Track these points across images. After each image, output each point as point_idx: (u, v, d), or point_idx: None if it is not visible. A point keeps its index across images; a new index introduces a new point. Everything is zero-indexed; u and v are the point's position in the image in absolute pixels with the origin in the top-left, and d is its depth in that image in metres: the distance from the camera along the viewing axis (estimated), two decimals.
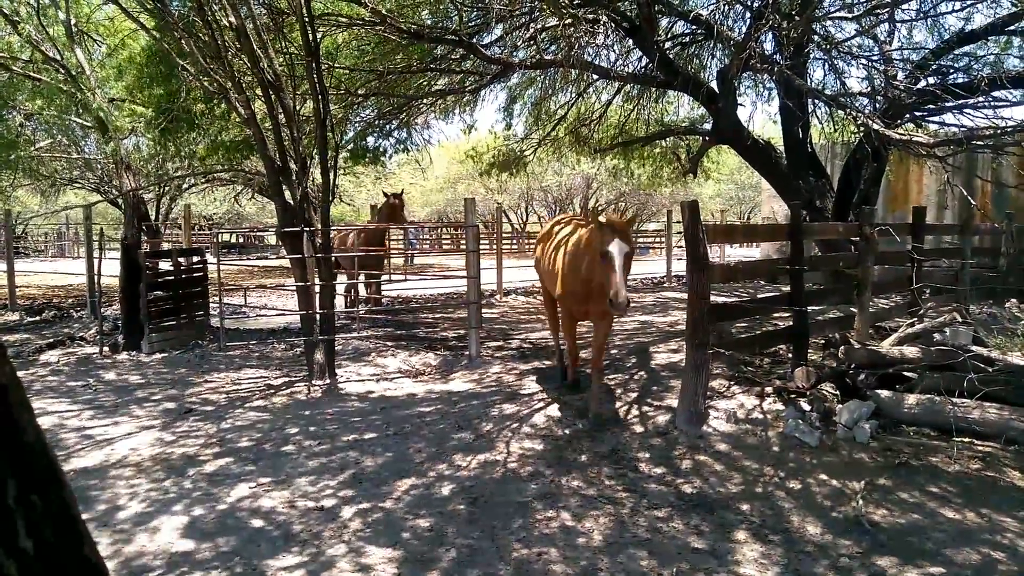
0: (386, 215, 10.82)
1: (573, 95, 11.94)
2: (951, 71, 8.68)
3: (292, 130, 7.43)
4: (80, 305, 13.23)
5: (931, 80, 8.51)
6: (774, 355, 7.83)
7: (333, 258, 10.98)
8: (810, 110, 9.72)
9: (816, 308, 8.61)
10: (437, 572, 3.54)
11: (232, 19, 6.85)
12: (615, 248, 5.10)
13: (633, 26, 8.54)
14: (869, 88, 9.01)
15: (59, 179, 19.26)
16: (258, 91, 7.54)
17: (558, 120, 12.35)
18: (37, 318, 12.13)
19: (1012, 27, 8.01)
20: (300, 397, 6.98)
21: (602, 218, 5.43)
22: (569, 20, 7.54)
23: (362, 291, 11.95)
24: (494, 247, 17.35)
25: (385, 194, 11.00)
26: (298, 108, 8.01)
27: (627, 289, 5.13)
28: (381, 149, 12.26)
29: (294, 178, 7.52)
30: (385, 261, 12.10)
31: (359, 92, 10.02)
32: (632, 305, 5.53)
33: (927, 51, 8.78)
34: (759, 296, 11.32)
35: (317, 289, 7.82)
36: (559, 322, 7.26)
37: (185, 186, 21.09)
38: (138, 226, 9.77)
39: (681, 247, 11.34)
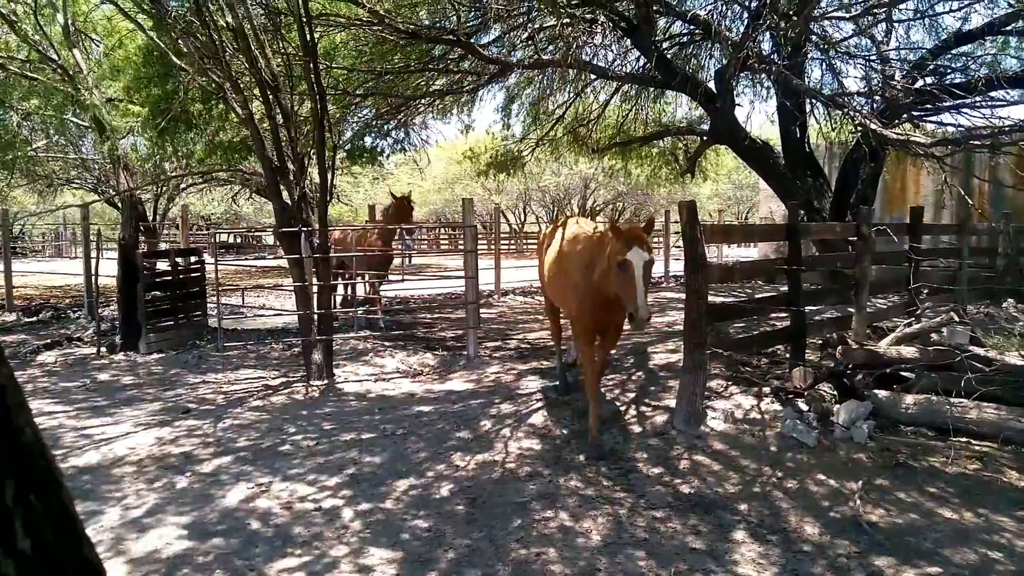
0: (395, 216, 10.68)
1: (571, 95, 11.94)
2: (948, 71, 8.70)
3: (290, 130, 7.43)
4: (77, 305, 13.20)
5: (928, 80, 8.53)
6: (772, 355, 7.84)
7: (337, 258, 10.93)
8: (808, 110, 9.74)
9: (814, 308, 8.63)
10: (436, 573, 3.54)
11: (230, 19, 6.85)
12: (635, 257, 4.61)
13: (631, 26, 8.54)
14: (867, 88, 9.03)
15: (56, 179, 19.21)
16: (256, 91, 7.53)
17: (556, 120, 12.35)
18: (34, 319, 12.11)
19: (1009, 27, 8.02)
20: (298, 397, 6.97)
21: (599, 222, 5.36)
22: (567, 20, 7.55)
23: (359, 291, 11.90)
24: (492, 247, 17.36)
25: (393, 195, 10.86)
26: (296, 108, 8.00)
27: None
28: (379, 149, 12.25)
29: (292, 178, 7.52)
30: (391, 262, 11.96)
31: (357, 92, 10.01)
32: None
33: (924, 51, 8.80)
34: (757, 296, 11.34)
35: (315, 289, 7.81)
36: (560, 328, 7.07)
37: (183, 186, 21.05)
38: (135, 226, 9.75)
39: (679, 247, 11.34)
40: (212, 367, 8.33)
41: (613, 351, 6.41)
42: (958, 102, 7.66)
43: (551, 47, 9.82)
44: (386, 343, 9.47)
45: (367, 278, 11.23)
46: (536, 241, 35.71)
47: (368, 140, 11.98)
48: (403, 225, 10.72)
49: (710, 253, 10.26)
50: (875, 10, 8.00)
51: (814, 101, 9.38)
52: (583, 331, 5.56)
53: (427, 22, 9.22)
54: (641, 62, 10.21)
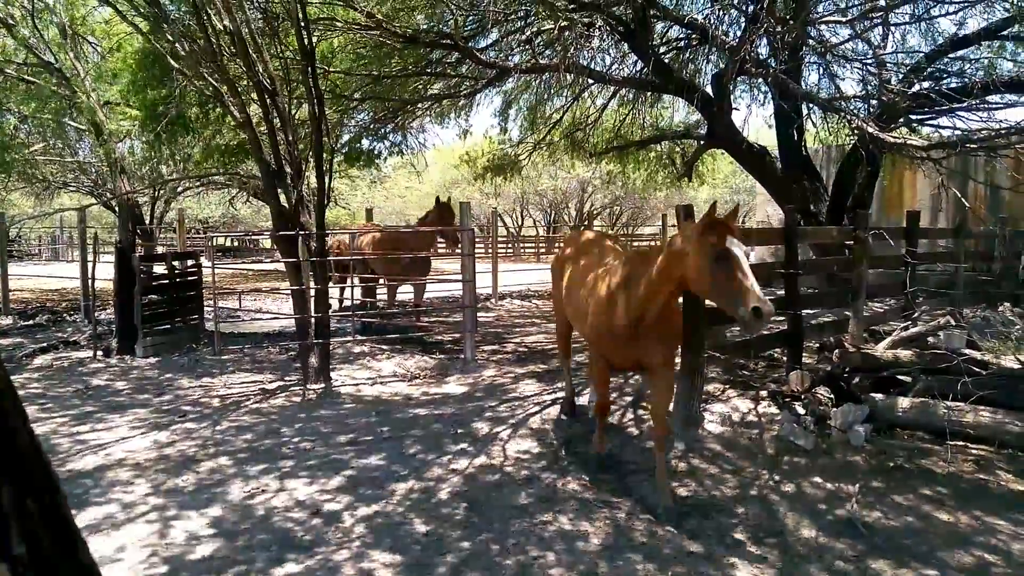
0: (436, 222, 10.29)
1: (568, 99, 11.93)
2: (945, 75, 8.71)
3: (287, 134, 7.42)
4: (74, 309, 13.17)
5: (925, 84, 8.54)
6: (769, 359, 7.85)
7: (365, 263, 10.73)
8: (805, 114, 9.75)
9: (811, 312, 8.64)
10: None
11: (227, 23, 6.85)
12: (735, 245, 3.70)
13: (628, 30, 8.55)
14: (863, 92, 9.04)
15: (53, 182, 19.20)
16: (253, 95, 7.53)
17: (553, 124, 12.35)
18: (30, 322, 12.07)
19: (1005, 32, 8.04)
20: (295, 400, 6.96)
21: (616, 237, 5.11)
22: (564, 24, 7.55)
23: (352, 295, 11.78)
24: (489, 251, 17.35)
25: (438, 200, 10.51)
26: (293, 112, 8.00)
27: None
28: (375, 152, 12.25)
29: (289, 182, 7.52)
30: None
31: (354, 96, 10.01)
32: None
33: (921, 55, 8.82)
34: None
35: (312, 292, 7.80)
36: (569, 347, 6.36)
37: (180, 189, 21.06)
38: (132, 229, 9.73)
39: None
40: (209, 371, 8.32)
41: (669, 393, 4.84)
42: (955, 106, 7.67)
43: (548, 51, 9.83)
44: (383, 346, 9.46)
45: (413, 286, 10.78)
46: (532, 243, 35.75)
47: (365, 143, 11.97)
48: (442, 228, 10.24)
49: None
50: (872, 15, 8.01)
51: (811, 105, 9.40)
52: (599, 359, 4.76)
53: (424, 26, 9.21)
54: (638, 66, 10.22)
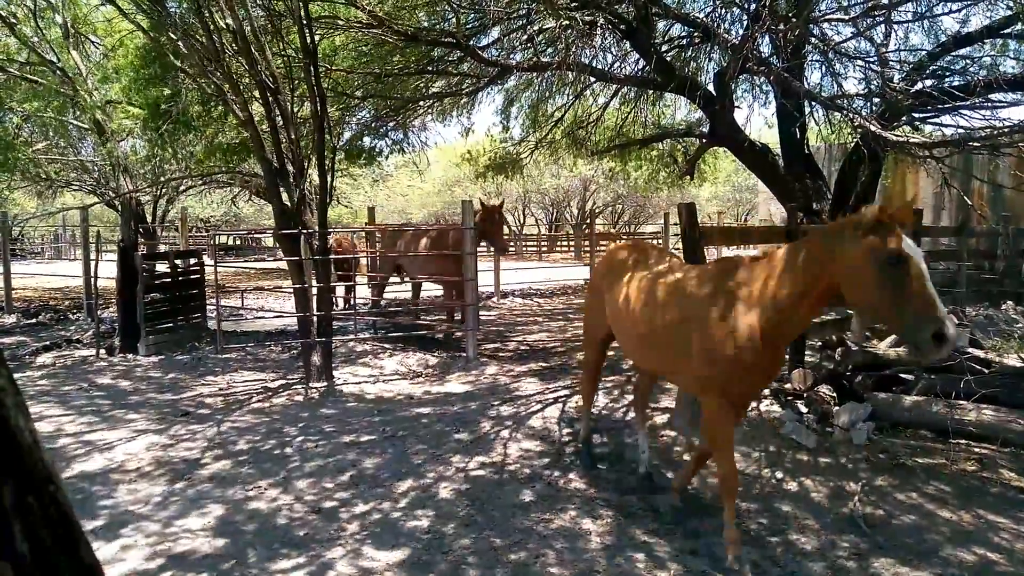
0: (480, 220, 9.85)
1: (570, 97, 11.92)
2: (948, 73, 8.69)
3: (289, 132, 7.43)
4: (77, 308, 13.19)
5: (928, 82, 8.51)
6: None
7: (393, 263, 10.64)
8: (807, 112, 9.73)
9: None
10: (435, 575, 3.54)
11: (230, 21, 6.85)
12: (912, 248, 2.96)
13: (630, 28, 8.53)
14: (866, 90, 9.02)
15: (56, 181, 19.22)
16: (256, 93, 7.53)
17: (555, 122, 12.34)
18: (33, 321, 12.09)
19: (1008, 30, 8.02)
20: (298, 399, 6.97)
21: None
22: (566, 22, 7.54)
23: (340, 293, 11.70)
24: (491, 250, 17.34)
25: (483, 203, 10.23)
26: (296, 110, 8.01)
27: None
28: (377, 150, 12.25)
29: (291, 180, 7.52)
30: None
31: (356, 94, 10.00)
32: None
33: (924, 53, 8.79)
34: None
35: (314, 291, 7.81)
36: (596, 383, 5.31)
37: (182, 188, 21.09)
38: (135, 228, 9.74)
39: (678, 249, 11.30)
40: (211, 369, 8.32)
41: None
42: (957, 104, 7.65)
43: (550, 49, 9.81)
44: (385, 344, 9.46)
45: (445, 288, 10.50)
46: (534, 242, 35.65)
47: (367, 141, 11.98)
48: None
49: (709, 255, 10.24)
50: (874, 12, 7.99)
51: (813, 103, 9.38)
52: (722, 405, 3.64)
53: (426, 24, 9.21)
54: (640, 64, 10.20)
